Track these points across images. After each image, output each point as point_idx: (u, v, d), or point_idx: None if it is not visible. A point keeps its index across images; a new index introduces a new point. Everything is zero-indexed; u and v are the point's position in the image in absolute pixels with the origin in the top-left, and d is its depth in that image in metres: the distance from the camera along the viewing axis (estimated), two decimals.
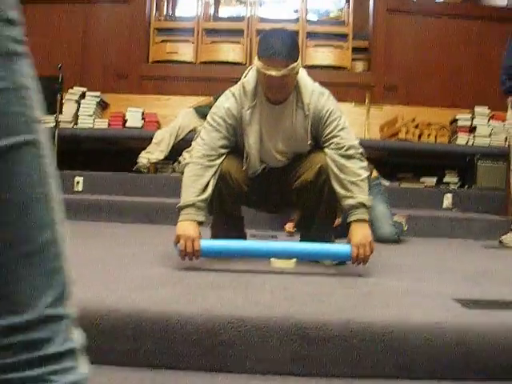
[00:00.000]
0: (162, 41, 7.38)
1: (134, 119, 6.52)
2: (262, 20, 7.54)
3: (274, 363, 1.69)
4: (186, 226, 2.50)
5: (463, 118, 6.29)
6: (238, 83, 2.72)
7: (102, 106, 6.76)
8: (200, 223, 2.55)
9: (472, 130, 6.25)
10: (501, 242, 4.12)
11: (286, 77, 2.51)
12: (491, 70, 6.38)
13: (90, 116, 6.52)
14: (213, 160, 2.63)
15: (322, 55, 7.08)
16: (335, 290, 2.20)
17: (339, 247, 2.59)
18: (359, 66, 7.36)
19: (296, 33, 6.90)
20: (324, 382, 1.65)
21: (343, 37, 7.10)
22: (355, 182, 2.55)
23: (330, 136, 2.65)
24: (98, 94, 6.61)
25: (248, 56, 7.23)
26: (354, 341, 1.68)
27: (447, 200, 5.51)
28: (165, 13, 7.89)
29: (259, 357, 1.69)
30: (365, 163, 2.64)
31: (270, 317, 1.73)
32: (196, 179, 2.58)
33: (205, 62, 7.21)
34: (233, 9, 8.65)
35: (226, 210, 2.81)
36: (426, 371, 1.69)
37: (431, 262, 3.23)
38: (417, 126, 6.18)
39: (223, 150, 2.68)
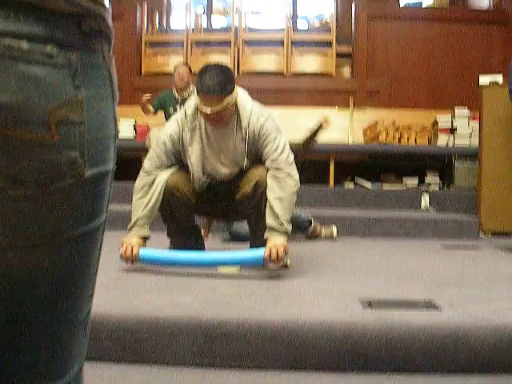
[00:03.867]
0: (154, 53, 7.67)
1: (126, 130, 6.78)
2: (250, 30, 7.80)
3: (181, 357, 1.94)
4: (130, 237, 2.89)
5: (443, 119, 6.46)
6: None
7: None
8: (144, 237, 2.91)
9: (452, 130, 6.42)
10: None
11: (221, 111, 2.79)
12: (471, 70, 6.57)
13: None
14: (155, 176, 2.96)
15: (307, 63, 7.30)
16: (254, 291, 2.45)
17: (255, 252, 2.85)
18: (345, 72, 7.57)
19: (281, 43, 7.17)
20: (224, 373, 1.90)
21: (328, 44, 7.32)
22: (281, 197, 2.81)
23: (266, 156, 2.92)
24: None
25: (236, 66, 7.48)
26: (249, 336, 1.92)
27: (425, 201, 5.70)
28: (157, 25, 8.17)
29: (167, 351, 1.94)
30: (294, 181, 2.87)
31: (181, 316, 1.99)
32: (139, 202, 2.95)
33: (194, 74, 7.43)
34: (225, 18, 8.88)
35: (178, 219, 3.08)
36: (312, 364, 1.92)
37: (364, 263, 3.43)
38: (397, 129, 6.37)
39: (165, 166, 3.01)
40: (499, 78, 5.62)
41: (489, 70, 6.31)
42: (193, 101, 2.92)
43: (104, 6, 0.70)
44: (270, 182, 2.85)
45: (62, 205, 0.67)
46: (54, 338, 0.72)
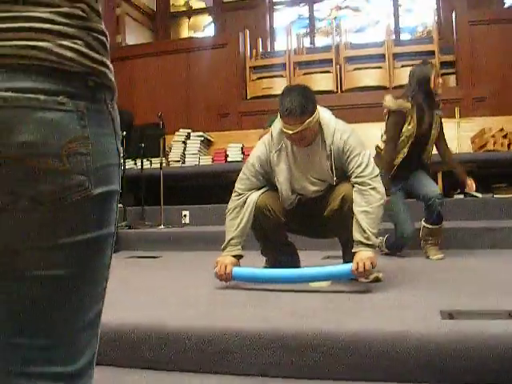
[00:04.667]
0: (258, 78, 7.89)
1: (234, 154, 7.02)
2: (351, 46, 7.86)
3: (259, 367, 2.04)
4: (224, 257, 3.04)
5: None
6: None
7: (207, 143, 7.36)
8: (237, 256, 3.05)
9: None
10: None
11: (303, 131, 2.90)
12: None
13: (195, 154, 7.12)
14: (247, 197, 3.11)
15: None
16: (338, 304, 2.53)
17: (343, 266, 2.94)
18: (451, 81, 7.45)
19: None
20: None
21: (430, 54, 7.22)
22: (367, 211, 2.87)
23: (351, 172, 3.00)
24: (201, 133, 7.24)
25: (339, 83, 7.56)
26: (323, 348, 1.99)
27: None
28: (260, 50, 8.40)
29: (249, 361, 2.05)
30: (379, 195, 2.92)
31: (264, 328, 2.09)
32: (231, 223, 3.11)
33: None
34: (327, 38, 8.99)
35: (270, 238, 3.21)
36: (388, 374, 1.95)
37: (461, 275, 3.38)
38: (505, 136, 6.18)
39: (256, 188, 3.15)
40: None
41: None
42: (278, 123, 3.03)
43: (106, 65, 0.87)
44: (355, 196, 2.92)
45: (73, 215, 0.83)
46: (66, 329, 0.87)
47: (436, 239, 4.23)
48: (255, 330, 2.12)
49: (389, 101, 4.14)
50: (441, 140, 4.34)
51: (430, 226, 4.20)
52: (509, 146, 6.19)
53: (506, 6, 8.26)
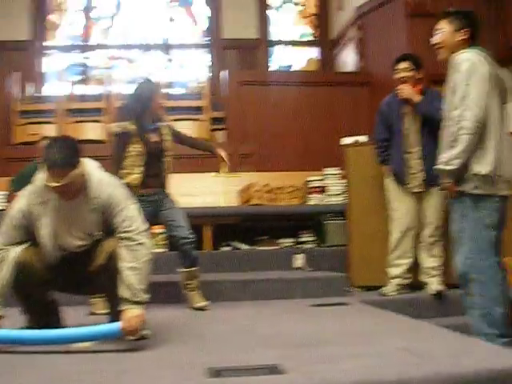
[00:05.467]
0: (27, 123, 7.55)
1: None
2: (123, 97, 7.84)
3: None
4: None
5: (314, 179, 6.68)
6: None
7: None
8: None
9: (323, 190, 6.63)
10: (382, 294, 4.69)
11: (67, 184, 2.76)
12: (340, 131, 6.82)
13: None
14: (6, 252, 2.89)
15: (181, 128, 7.36)
16: (99, 366, 2.42)
17: (111, 325, 2.84)
18: (220, 136, 7.72)
19: None
20: None
21: (201, 110, 7.45)
22: (135, 267, 2.81)
23: (117, 226, 2.92)
24: None
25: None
26: None
27: (297, 260, 5.81)
28: (31, 94, 8.07)
29: None
30: (146, 250, 2.89)
31: None
32: None
33: None
34: (100, 87, 8.89)
35: (31, 297, 2.98)
36: None
37: (223, 329, 3.45)
38: (269, 191, 6.51)
39: (17, 243, 2.94)
40: (363, 139, 5.91)
41: (357, 131, 6.60)
42: (41, 174, 2.88)
43: None
44: (122, 252, 2.84)
45: None
46: None
47: (196, 282, 4.29)
48: None
49: (113, 126, 4.22)
50: (185, 141, 4.65)
51: (188, 270, 4.27)
52: (272, 200, 6.51)
53: (271, 68, 8.83)
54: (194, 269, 4.26)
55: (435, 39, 3.56)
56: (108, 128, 4.17)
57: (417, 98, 4.61)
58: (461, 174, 3.29)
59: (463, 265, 3.33)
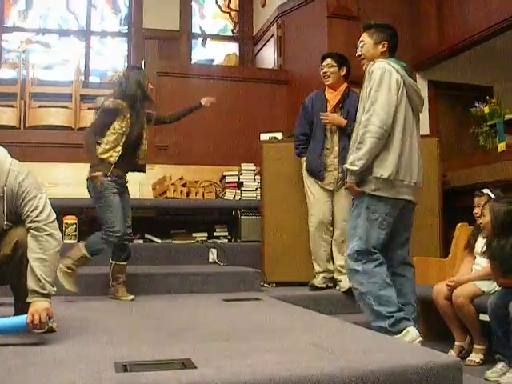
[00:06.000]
0: None
1: None
2: (39, 83, 7.62)
3: None
4: None
5: (231, 174, 6.68)
6: None
7: None
8: None
9: (239, 185, 6.64)
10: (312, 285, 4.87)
11: None
12: (258, 128, 6.85)
13: None
14: None
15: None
16: (3, 360, 2.31)
17: (17, 318, 2.72)
18: None
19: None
20: None
21: None
22: (43, 258, 2.70)
23: (26, 216, 2.79)
24: None
25: (22, 120, 7.25)
26: None
27: (212, 255, 5.81)
28: None
29: None
30: (55, 241, 2.78)
31: None
32: None
33: None
34: (14, 71, 8.60)
35: None
36: None
37: (135, 323, 3.42)
38: (185, 185, 6.47)
39: None
40: (279, 135, 5.96)
41: (274, 128, 6.64)
42: None
43: None
44: (30, 242, 2.73)
45: None
46: None
47: (124, 277, 4.36)
48: None
49: (108, 101, 4.36)
50: (169, 118, 5.01)
51: (122, 263, 4.34)
52: (187, 194, 6.47)
53: (192, 61, 8.78)
54: (125, 263, 4.37)
55: (359, 51, 3.79)
56: (98, 100, 4.18)
57: (342, 123, 4.79)
58: (364, 176, 3.50)
59: (351, 259, 3.55)
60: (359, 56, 3.78)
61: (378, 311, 3.42)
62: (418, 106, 3.70)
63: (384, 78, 3.49)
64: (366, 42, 3.74)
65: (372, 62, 3.63)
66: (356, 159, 3.46)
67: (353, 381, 2.12)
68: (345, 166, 3.60)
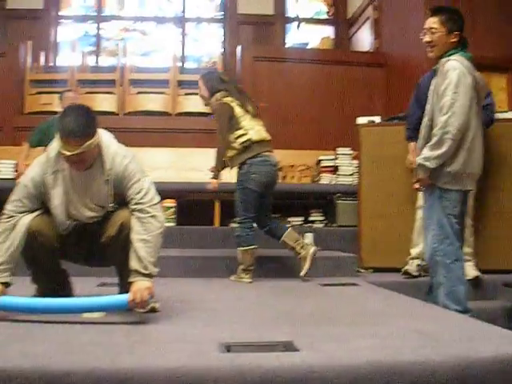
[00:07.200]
0: (37, 92, 7.49)
1: (6, 171, 6.56)
2: (137, 70, 7.79)
3: None
4: None
5: (327, 158, 6.63)
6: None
7: None
8: (4, 283, 2.77)
9: (335, 170, 6.59)
10: (406, 272, 4.79)
11: (81, 154, 2.70)
12: (354, 111, 6.76)
13: None
14: (18, 220, 2.83)
15: (194, 103, 7.31)
16: (112, 338, 2.38)
17: (119, 297, 2.81)
18: None
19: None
20: None
21: None
22: (146, 239, 2.77)
23: (130, 198, 2.87)
24: None
25: (121, 105, 7.43)
26: None
27: (307, 239, 5.77)
28: (43, 64, 8.02)
29: None
30: (159, 223, 2.84)
31: (27, 367, 1.89)
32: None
33: None
34: (113, 59, 8.84)
35: (41, 265, 2.95)
36: None
37: (234, 305, 3.44)
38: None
39: (29, 211, 2.88)
40: (377, 119, 5.83)
41: (371, 111, 6.53)
42: (56, 143, 2.83)
43: None
44: (134, 224, 2.80)
45: None
46: None
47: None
48: (18, 368, 1.90)
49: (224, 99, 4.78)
50: None
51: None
52: (283, 178, 6.47)
53: (287, 45, 8.74)
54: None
55: (428, 38, 3.69)
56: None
57: None
58: (435, 169, 3.56)
59: (431, 249, 3.63)
60: (428, 42, 3.68)
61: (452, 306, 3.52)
62: (482, 98, 3.75)
63: (461, 79, 3.49)
64: (439, 29, 3.63)
65: (446, 60, 3.57)
66: (432, 157, 3.51)
67: (459, 369, 2.05)
68: (418, 160, 3.62)
